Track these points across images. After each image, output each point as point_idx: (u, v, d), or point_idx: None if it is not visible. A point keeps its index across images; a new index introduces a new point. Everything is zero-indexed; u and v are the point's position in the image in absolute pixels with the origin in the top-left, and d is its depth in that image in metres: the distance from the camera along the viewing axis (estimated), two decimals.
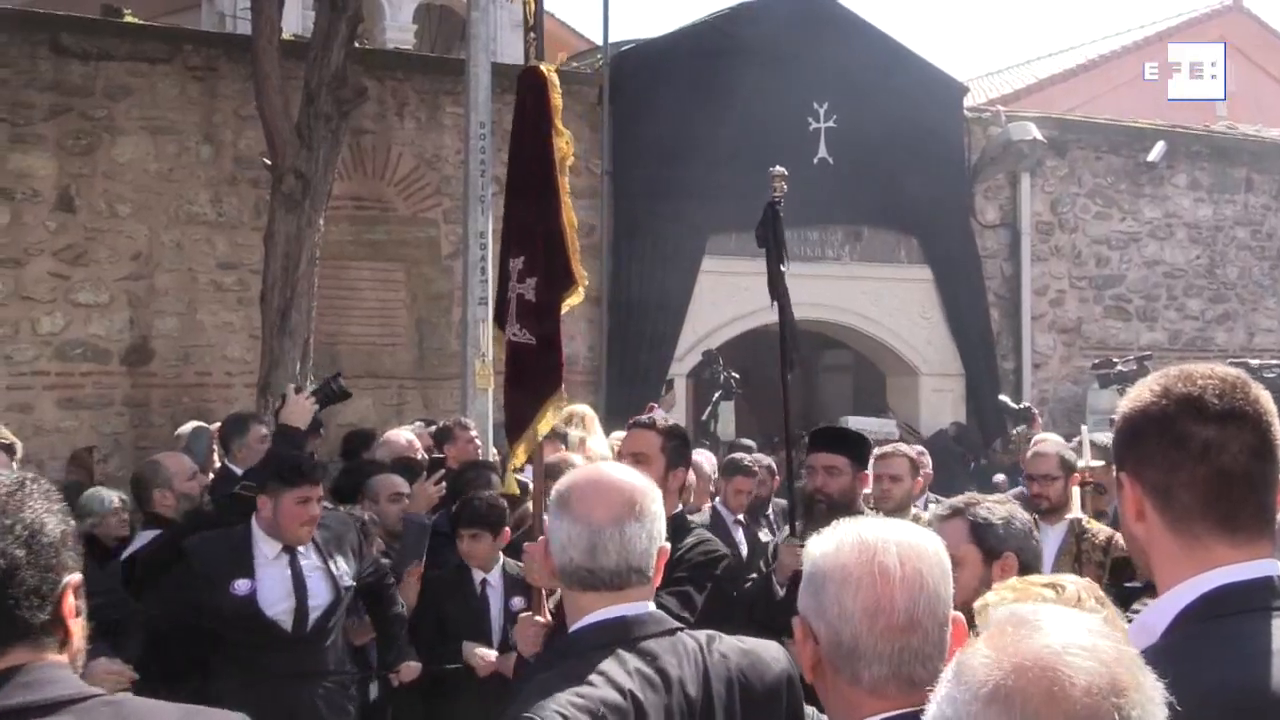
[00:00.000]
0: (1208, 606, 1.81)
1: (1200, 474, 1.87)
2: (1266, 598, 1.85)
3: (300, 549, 5.14)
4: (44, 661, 1.83)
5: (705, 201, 12.38)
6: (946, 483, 9.85)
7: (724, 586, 4.31)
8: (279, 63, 9.49)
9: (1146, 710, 1.34)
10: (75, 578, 1.89)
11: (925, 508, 6.73)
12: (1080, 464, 6.20)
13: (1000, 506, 3.67)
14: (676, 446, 4.45)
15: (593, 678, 2.34)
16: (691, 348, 12.67)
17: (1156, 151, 15.10)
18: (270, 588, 5.06)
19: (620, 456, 4.58)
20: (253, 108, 9.98)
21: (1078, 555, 5.34)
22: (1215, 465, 1.86)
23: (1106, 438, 6.01)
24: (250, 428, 7.16)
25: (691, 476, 8.01)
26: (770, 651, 2.62)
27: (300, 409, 5.66)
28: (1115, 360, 13.42)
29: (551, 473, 6.85)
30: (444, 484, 6.50)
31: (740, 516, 7.75)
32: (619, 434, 9.58)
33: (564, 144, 4.70)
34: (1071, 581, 2.30)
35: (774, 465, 8.61)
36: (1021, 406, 12.76)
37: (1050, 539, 5.54)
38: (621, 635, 2.46)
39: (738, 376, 10.92)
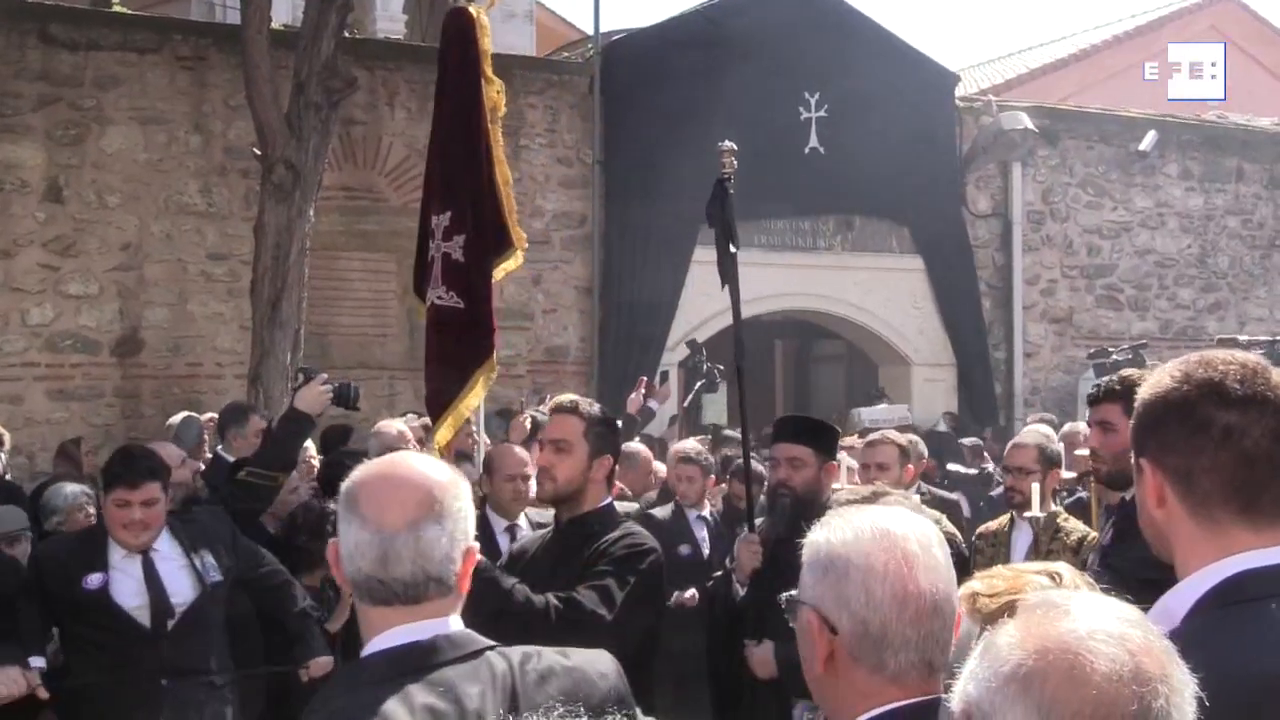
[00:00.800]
0: (1229, 592, 1.81)
1: (1222, 459, 1.87)
2: None
3: (157, 547, 4.94)
4: None
5: (696, 191, 12.24)
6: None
7: (652, 581, 4.02)
8: (269, 52, 9.46)
9: (1171, 701, 1.34)
10: None
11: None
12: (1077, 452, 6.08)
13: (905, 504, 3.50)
14: (601, 433, 4.15)
15: None
16: (683, 338, 12.66)
17: (1148, 141, 15.10)
18: (124, 584, 4.88)
19: (541, 444, 4.31)
20: (242, 98, 9.95)
21: (1046, 556, 5.07)
22: (1237, 450, 1.86)
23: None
24: (249, 418, 7.14)
25: (661, 467, 7.89)
26: (598, 665, 2.34)
27: (316, 397, 5.42)
28: (1110, 349, 13.43)
29: (462, 459, 6.81)
30: None
31: (707, 513, 7.27)
32: None
33: (494, 93, 4.30)
34: (1067, 570, 2.30)
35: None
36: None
37: (1021, 537, 5.47)
38: (411, 664, 2.11)
39: (721, 368, 10.88)
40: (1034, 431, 6.30)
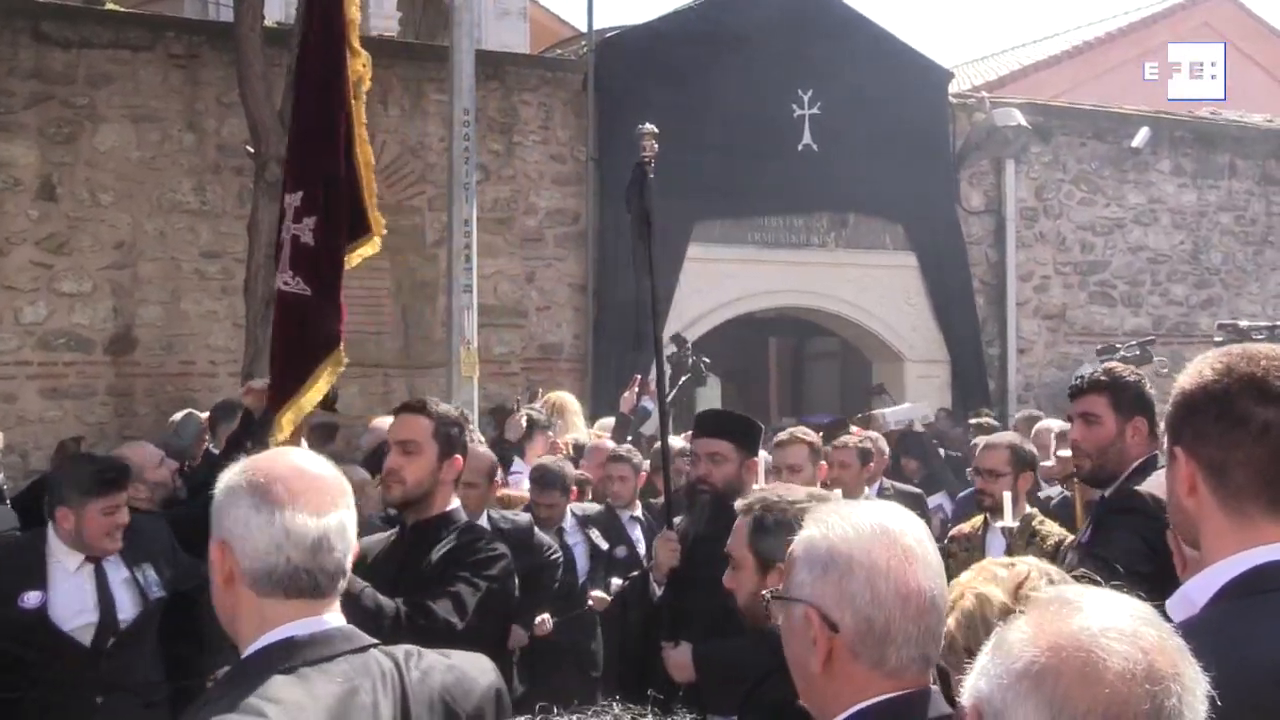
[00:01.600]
0: (1251, 582, 1.82)
1: (1258, 454, 1.88)
2: None
3: (107, 560, 4.75)
4: None
5: (690, 189, 12.37)
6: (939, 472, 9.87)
7: (503, 589, 3.89)
8: (262, 50, 9.45)
9: (1184, 700, 1.34)
10: None
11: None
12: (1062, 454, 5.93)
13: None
14: (451, 434, 3.99)
15: (266, 708, 1.97)
16: (675, 336, 12.66)
17: (1141, 138, 15.11)
18: (67, 602, 4.64)
19: (390, 444, 4.12)
20: (235, 95, 9.94)
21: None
22: (1273, 446, 1.88)
23: None
24: (240, 415, 7.11)
25: (562, 450, 7.76)
26: (477, 665, 2.34)
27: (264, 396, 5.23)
28: (1118, 345, 13.43)
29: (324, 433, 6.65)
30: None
31: (638, 513, 7.13)
32: (607, 420, 9.62)
33: (359, 66, 3.99)
34: (1027, 562, 2.33)
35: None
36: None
37: (994, 542, 5.23)
38: (312, 654, 2.09)
39: (708, 361, 10.86)
40: (1006, 433, 6.14)
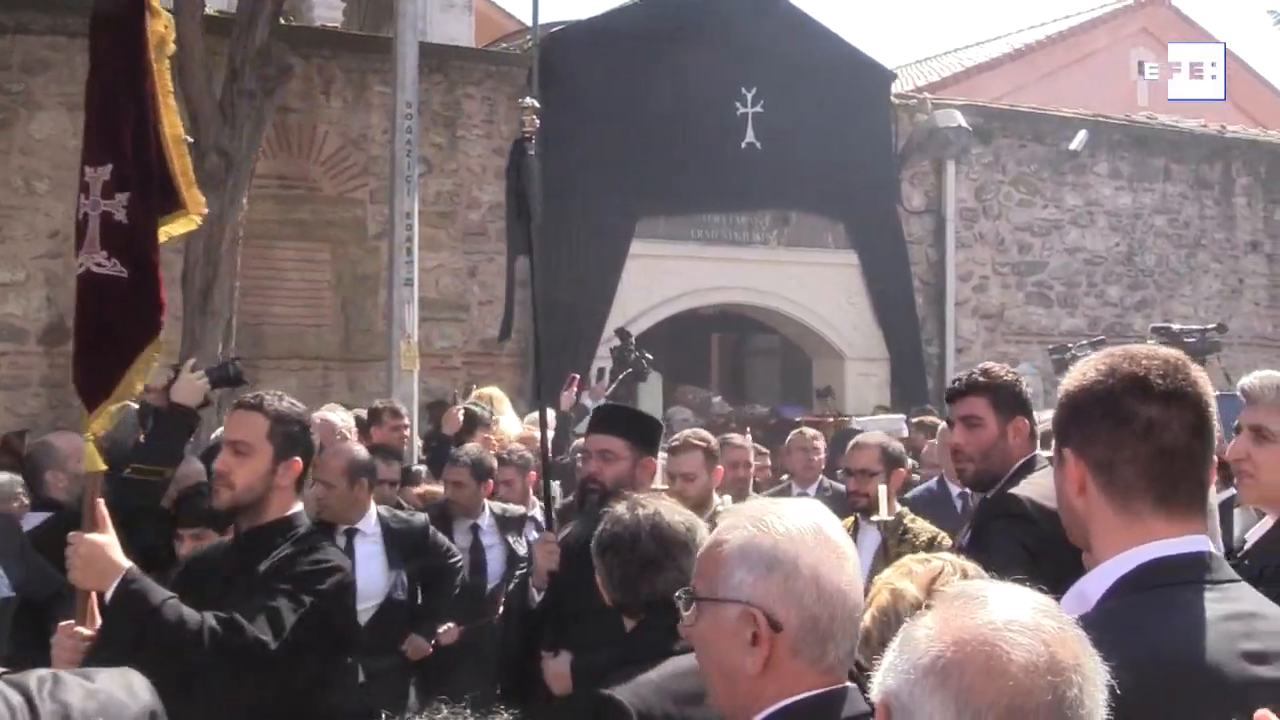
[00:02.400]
0: (1141, 578, 1.86)
1: (1143, 451, 1.92)
2: (1199, 571, 1.91)
3: None
4: None
5: (634, 185, 12.39)
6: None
7: (332, 606, 3.53)
8: (202, 38, 9.35)
9: (1084, 690, 1.37)
10: None
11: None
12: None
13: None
14: (289, 433, 3.67)
15: None
16: (619, 330, 12.67)
17: (1078, 140, 15.32)
18: None
19: (224, 445, 3.83)
20: (175, 83, 9.82)
21: (894, 558, 4.57)
22: (1158, 443, 1.92)
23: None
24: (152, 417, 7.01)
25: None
26: (127, 687, 2.05)
27: (191, 387, 5.17)
28: (1069, 345, 13.58)
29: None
30: None
31: (481, 520, 6.71)
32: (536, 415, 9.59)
33: (161, 27, 3.70)
34: (944, 558, 2.37)
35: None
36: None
37: (867, 540, 5.15)
38: None
39: (650, 357, 10.87)
40: (874, 432, 6.05)
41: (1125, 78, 22.83)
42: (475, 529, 6.58)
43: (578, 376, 9.38)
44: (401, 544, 5.83)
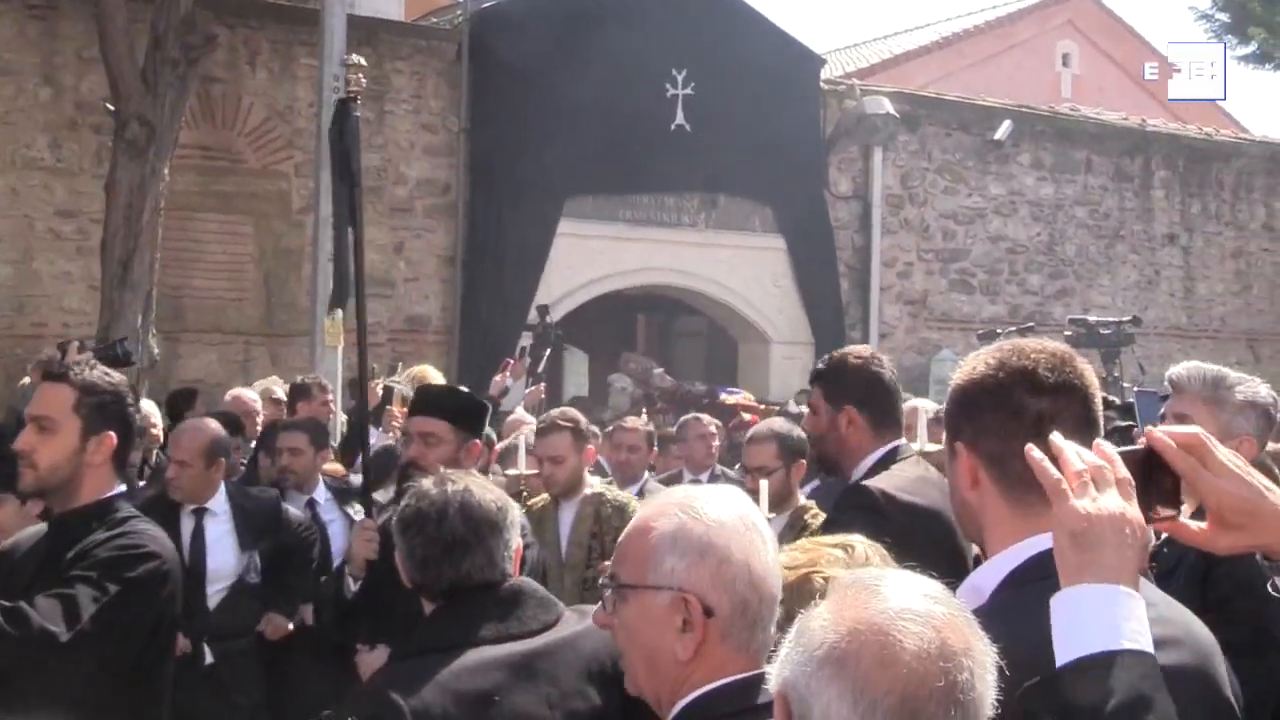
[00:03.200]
0: (1032, 570, 1.86)
1: (1034, 444, 1.92)
2: None
3: None
4: None
5: (562, 164, 12.35)
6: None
7: (142, 595, 3.17)
8: (125, 5, 9.17)
9: (975, 674, 1.41)
10: None
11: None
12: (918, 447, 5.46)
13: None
14: (99, 404, 3.28)
15: None
16: (540, 306, 12.63)
17: (1003, 130, 15.53)
18: None
19: (26, 420, 3.42)
20: (96, 50, 9.63)
21: None
22: (1048, 436, 1.93)
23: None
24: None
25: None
26: None
27: None
28: (998, 331, 13.77)
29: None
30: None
31: (317, 494, 6.27)
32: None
33: None
34: (860, 542, 2.38)
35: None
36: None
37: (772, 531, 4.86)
38: None
39: (561, 332, 10.86)
40: (770, 424, 5.25)
41: (1050, 69, 23.18)
42: (312, 504, 6.19)
43: (512, 361, 9.30)
44: (253, 523, 5.58)
